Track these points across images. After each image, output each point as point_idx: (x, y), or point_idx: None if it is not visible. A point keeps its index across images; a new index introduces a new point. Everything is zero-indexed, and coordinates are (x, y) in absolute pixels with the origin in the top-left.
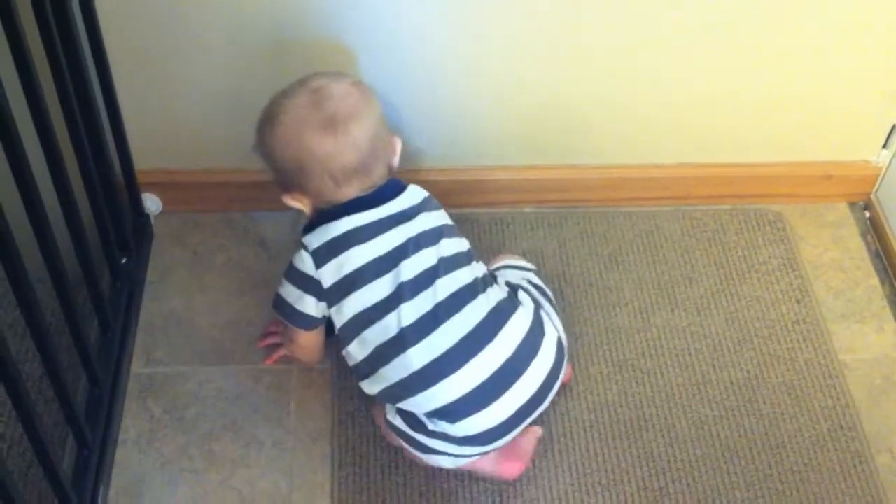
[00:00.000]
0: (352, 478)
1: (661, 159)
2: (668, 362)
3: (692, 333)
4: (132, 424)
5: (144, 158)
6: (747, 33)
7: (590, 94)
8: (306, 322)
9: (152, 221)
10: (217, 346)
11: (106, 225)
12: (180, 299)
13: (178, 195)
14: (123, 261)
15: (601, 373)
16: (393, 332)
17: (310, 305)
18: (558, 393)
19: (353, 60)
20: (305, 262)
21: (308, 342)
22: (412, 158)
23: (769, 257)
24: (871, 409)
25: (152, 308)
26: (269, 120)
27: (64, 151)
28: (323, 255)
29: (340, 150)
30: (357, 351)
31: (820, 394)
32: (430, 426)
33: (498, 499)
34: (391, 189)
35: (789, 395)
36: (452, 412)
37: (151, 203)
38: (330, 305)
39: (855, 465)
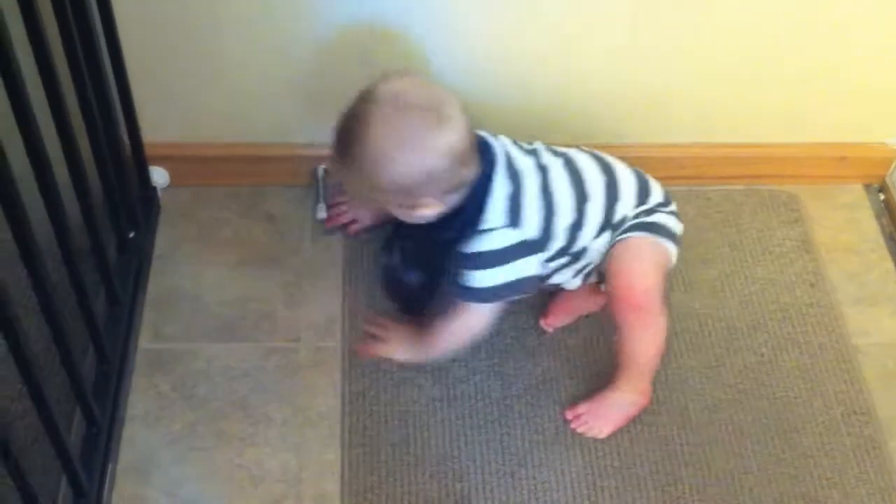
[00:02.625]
0: (361, 457)
1: (677, 138)
2: (682, 345)
3: (706, 316)
4: (140, 401)
5: (152, 131)
6: (764, 14)
7: (605, 73)
8: (532, 284)
9: (159, 195)
10: (225, 323)
11: (115, 198)
12: (188, 274)
13: (186, 169)
14: (131, 234)
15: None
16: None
17: (532, 265)
18: (570, 376)
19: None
20: (507, 235)
21: (490, 316)
22: None
23: (783, 239)
24: (884, 393)
25: (160, 282)
26: (380, 155)
27: (74, 124)
28: (514, 217)
29: (457, 134)
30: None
31: (833, 378)
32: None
33: (510, 479)
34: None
35: (803, 378)
36: None
37: (159, 176)
38: (546, 249)
39: (868, 450)
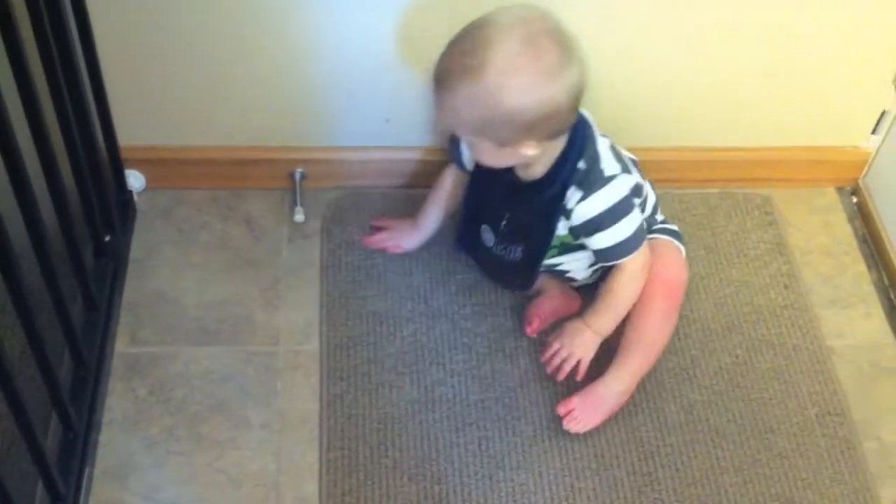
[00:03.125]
0: (340, 460)
1: (652, 142)
2: None
3: (682, 318)
4: (117, 405)
5: (128, 135)
6: (737, 20)
7: None
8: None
9: (135, 199)
10: (203, 326)
11: (91, 201)
12: (165, 278)
13: (163, 172)
14: (107, 238)
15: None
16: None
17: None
18: (548, 378)
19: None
20: (627, 180)
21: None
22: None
23: (758, 242)
24: (858, 394)
25: (137, 286)
26: (509, 81)
27: (49, 129)
28: (622, 163)
29: (581, 74)
30: None
31: (808, 379)
32: None
33: (488, 482)
34: None
35: (777, 380)
36: None
37: (135, 180)
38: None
39: (843, 451)
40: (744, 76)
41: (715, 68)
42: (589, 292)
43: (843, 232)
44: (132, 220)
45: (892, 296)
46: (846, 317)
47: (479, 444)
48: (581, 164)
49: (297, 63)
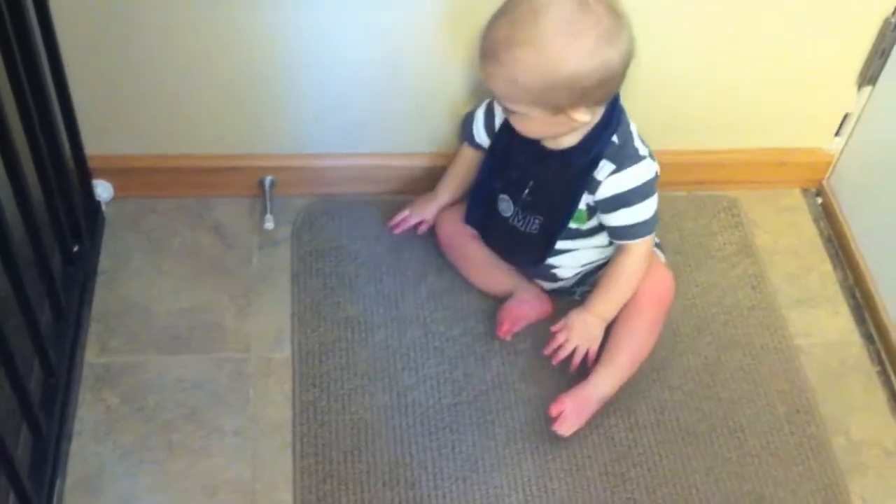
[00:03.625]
0: (314, 466)
1: None
2: None
3: None
4: (88, 414)
5: (95, 144)
6: (701, 24)
7: None
8: None
9: (104, 208)
10: (174, 334)
11: (58, 212)
12: (135, 287)
13: (131, 181)
14: (76, 248)
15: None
16: None
17: None
18: (520, 380)
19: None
20: (653, 165)
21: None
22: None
23: (725, 243)
24: (826, 392)
25: (106, 296)
26: (571, 44)
27: (16, 139)
28: (648, 150)
29: (631, 38)
30: None
31: (776, 378)
32: None
33: (462, 485)
34: None
35: (746, 379)
36: None
37: (102, 189)
38: None
39: (812, 448)
40: (708, 80)
41: (679, 73)
42: (559, 298)
43: (809, 232)
44: (101, 229)
45: (858, 294)
46: (813, 316)
47: (453, 448)
48: (615, 139)
49: (265, 70)
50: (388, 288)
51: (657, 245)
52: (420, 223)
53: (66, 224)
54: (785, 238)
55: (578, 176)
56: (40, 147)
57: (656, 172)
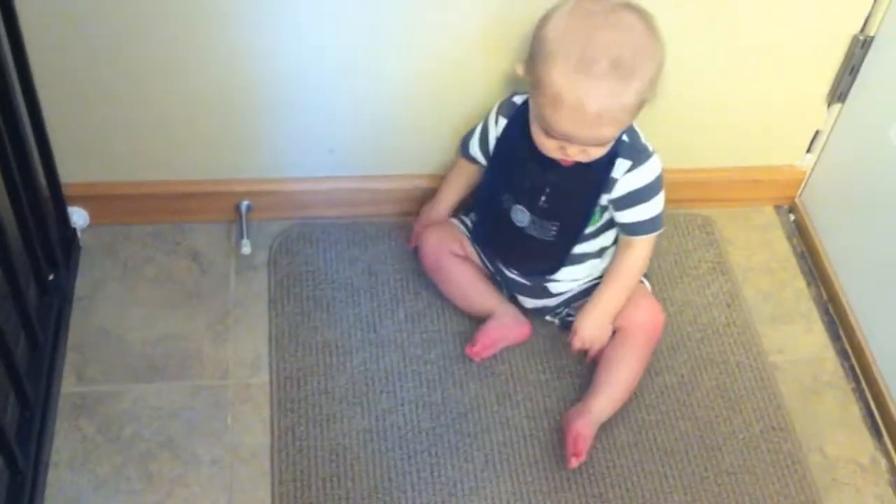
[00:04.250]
0: (292, 493)
1: None
2: None
3: None
4: (64, 445)
5: (70, 172)
6: (673, 44)
7: None
8: None
9: (79, 235)
10: (150, 363)
11: (32, 240)
12: (111, 314)
13: (106, 208)
14: (51, 277)
15: (539, 380)
16: None
17: None
18: (498, 402)
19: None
20: (659, 160)
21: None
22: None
23: (700, 261)
24: (801, 408)
25: (82, 324)
26: (659, 42)
27: None
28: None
29: None
30: None
31: (752, 395)
32: None
33: None
34: None
35: (722, 397)
36: None
37: (78, 217)
38: None
39: (788, 465)
40: (680, 101)
41: None
42: (537, 319)
43: (782, 249)
44: (76, 257)
45: (832, 310)
46: (787, 332)
47: (432, 472)
48: (625, 138)
49: (239, 95)
50: (365, 311)
51: (644, 275)
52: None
53: (41, 252)
54: (759, 255)
55: (598, 175)
56: (14, 175)
57: (661, 167)
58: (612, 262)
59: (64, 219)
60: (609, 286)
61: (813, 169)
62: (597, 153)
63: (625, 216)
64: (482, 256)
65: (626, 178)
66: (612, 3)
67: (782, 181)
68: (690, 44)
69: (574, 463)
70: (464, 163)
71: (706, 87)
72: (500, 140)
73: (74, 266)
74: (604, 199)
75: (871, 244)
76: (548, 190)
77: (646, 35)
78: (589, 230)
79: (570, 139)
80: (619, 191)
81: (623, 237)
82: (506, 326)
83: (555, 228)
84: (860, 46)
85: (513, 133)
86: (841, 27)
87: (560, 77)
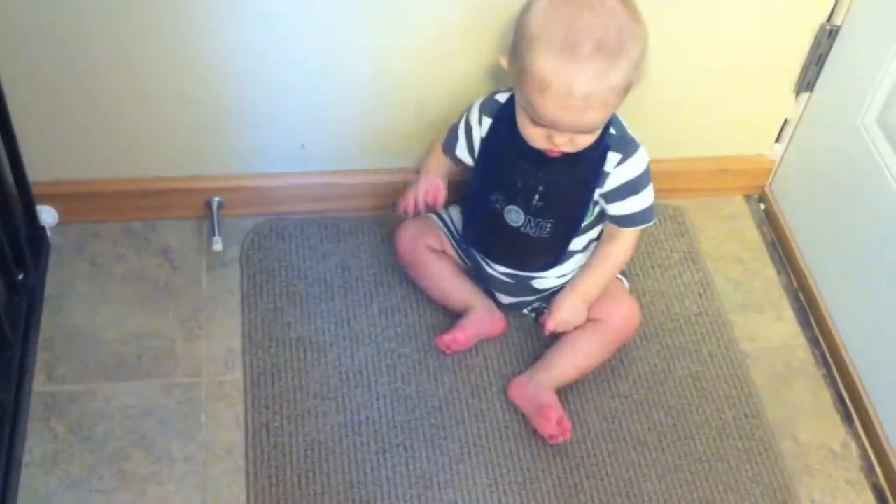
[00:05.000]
0: (268, 489)
1: None
2: None
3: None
4: (36, 445)
5: (39, 170)
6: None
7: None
8: None
9: (49, 234)
10: (122, 361)
11: (1, 239)
12: (82, 313)
13: (76, 206)
14: (20, 276)
15: (513, 372)
16: None
17: None
18: (473, 395)
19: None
20: (645, 152)
21: None
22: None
23: (671, 251)
24: (773, 396)
25: (53, 323)
26: (646, 40)
27: None
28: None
29: None
30: None
31: (724, 384)
32: None
33: (416, 502)
34: None
35: (695, 386)
36: None
37: (47, 215)
38: None
39: (760, 453)
40: (648, 91)
41: None
42: (512, 314)
43: (752, 238)
44: (46, 255)
45: (802, 298)
46: (758, 321)
47: (407, 465)
48: (612, 131)
49: (209, 91)
50: (339, 306)
51: (622, 272)
52: (436, 192)
53: (9, 252)
54: (729, 244)
55: (592, 170)
56: None
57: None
58: (595, 250)
59: (33, 217)
60: (590, 273)
61: (782, 158)
62: (584, 141)
63: (616, 208)
64: (460, 252)
65: (617, 170)
66: None
67: (752, 170)
68: (658, 35)
69: (559, 440)
70: (446, 158)
71: (675, 78)
72: (486, 140)
73: (44, 265)
74: (596, 194)
75: (839, 232)
76: (541, 188)
77: (628, 17)
78: (587, 223)
79: (557, 126)
80: (610, 184)
81: (610, 227)
82: (482, 321)
83: (550, 225)
84: (827, 36)
85: (500, 132)
86: (808, 17)
87: (546, 62)
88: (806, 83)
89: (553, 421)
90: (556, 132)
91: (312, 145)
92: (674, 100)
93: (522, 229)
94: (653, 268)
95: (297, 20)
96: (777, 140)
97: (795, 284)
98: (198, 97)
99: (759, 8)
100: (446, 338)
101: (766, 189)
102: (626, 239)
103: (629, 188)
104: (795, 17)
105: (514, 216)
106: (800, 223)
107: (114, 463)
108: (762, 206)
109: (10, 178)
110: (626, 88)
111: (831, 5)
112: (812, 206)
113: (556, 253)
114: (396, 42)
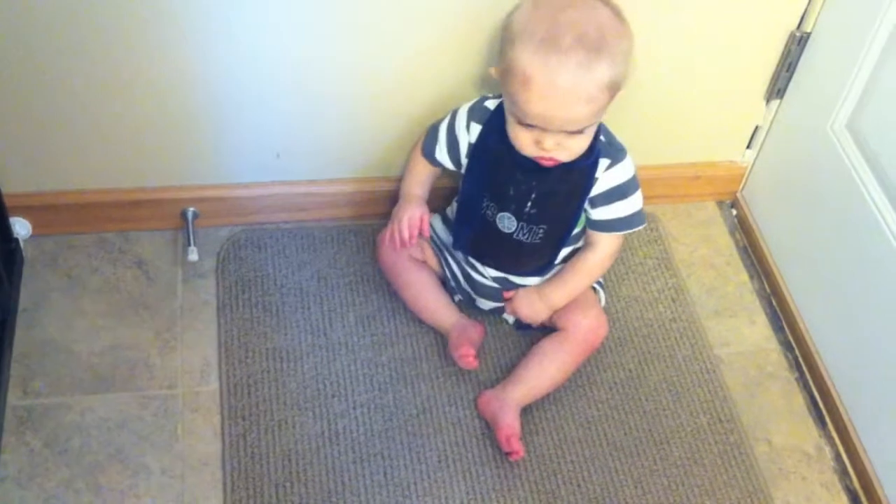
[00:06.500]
0: (245, 500)
1: None
2: None
3: None
4: (11, 460)
5: (11, 182)
6: None
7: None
8: None
9: (22, 246)
10: (97, 374)
11: None
12: (56, 326)
13: (50, 217)
14: None
15: (490, 379)
16: None
17: None
18: (449, 403)
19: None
20: (630, 159)
21: None
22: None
23: (645, 258)
24: (747, 400)
25: (27, 336)
26: (631, 43)
27: None
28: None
29: None
30: None
31: (698, 388)
32: None
33: None
34: None
35: (670, 391)
36: None
37: (20, 227)
38: None
39: (735, 456)
40: (620, 98)
41: None
42: (487, 318)
43: (725, 244)
44: (19, 268)
45: (774, 302)
46: (731, 325)
47: (385, 474)
48: (602, 138)
49: (182, 101)
50: (315, 316)
51: (600, 284)
52: (420, 222)
53: None
54: (702, 250)
55: (584, 176)
56: None
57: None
58: (572, 261)
59: (6, 229)
60: (560, 278)
61: (753, 164)
62: (574, 145)
63: (601, 213)
64: (442, 261)
65: (606, 175)
66: None
67: (724, 177)
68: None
69: (515, 458)
70: (426, 166)
71: (646, 86)
72: (476, 147)
73: (18, 278)
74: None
75: (811, 237)
76: (534, 196)
77: (610, 15)
78: (576, 231)
79: (544, 124)
80: (598, 188)
81: (591, 234)
82: (467, 332)
83: (542, 231)
84: (797, 43)
85: (490, 140)
86: (778, 24)
87: (528, 56)
88: (776, 90)
89: (502, 439)
90: (544, 134)
91: (287, 155)
92: (646, 107)
93: (515, 235)
94: (627, 274)
95: (270, 31)
96: (748, 146)
97: (768, 289)
98: (171, 108)
99: (729, 15)
100: (461, 357)
101: (738, 195)
102: (604, 247)
103: (617, 193)
104: (765, 25)
105: (507, 223)
106: (771, 228)
107: (90, 476)
108: (734, 212)
109: None
110: (612, 86)
111: (801, 12)
112: (783, 211)
113: (548, 257)
114: (373, 51)
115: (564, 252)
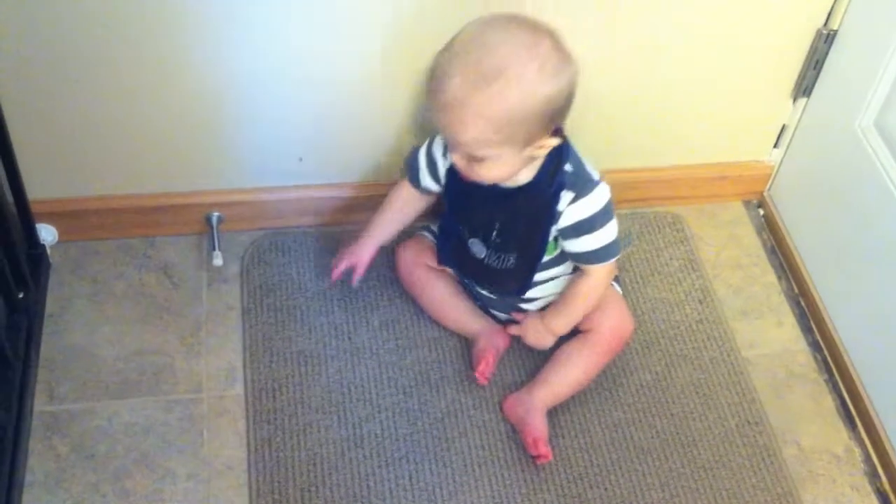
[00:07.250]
0: None
1: None
2: None
3: None
4: (38, 465)
5: (38, 188)
6: (637, 40)
7: None
8: None
9: (48, 252)
10: (123, 378)
11: (0, 258)
12: (82, 331)
13: (75, 224)
14: (20, 295)
15: (515, 382)
16: None
17: None
18: (475, 406)
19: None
20: (607, 188)
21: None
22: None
23: (671, 259)
24: (775, 402)
25: (53, 342)
26: (565, 63)
27: None
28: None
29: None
30: None
31: (726, 391)
32: None
33: None
34: None
35: (697, 393)
36: None
37: (46, 233)
38: None
39: (763, 459)
40: (646, 98)
41: (617, 92)
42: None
43: (752, 244)
44: (46, 274)
45: (802, 303)
46: (759, 326)
47: (410, 479)
48: (568, 167)
49: (206, 106)
50: (339, 320)
51: (614, 278)
52: (354, 269)
53: (9, 271)
54: (729, 251)
55: (544, 209)
56: None
57: (610, 195)
58: (568, 286)
59: (32, 236)
60: (560, 307)
61: (780, 163)
62: (483, 173)
63: (575, 245)
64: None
65: (570, 209)
66: (517, 18)
67: (750, 176)
68: (655, 42)
69: (542, 461)
70: (409, 191)
71: (672, 86)
72: (448, 172)
73: (44, 283)
74: (553, 231)
75: (839, 236)
76: (497, 225)
77: (527, 46)
78: (546, 259)
79: (446, 135)
80: (563, 222)
81: (579, 265)
82: (493, 339)
83: (513, 258)
84: (824, 41)
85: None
86: (804, 21)
87: (435, 62)
88: (803, 88)
89: (529, 442)
90: (452, 151)
91: (310, 159)
92: (671, 107)
93: (486, 261)
94: (652, 275)
95: (292, 36)
96: (775, 146)
97: (795, 290)
98: (195, 113)
99: (755, 13)
100: (478, 374)
101: (765, 194)
102: (594, 275)
103: (584, 227)
104: (792, 22)
105: (477, 248)
106: (799, 228)
107: (116, 481)
108: (761, 212)
109: (9, 197)
110: (513, 123)
111: (828, 10)
112: (811, 210)
113: (522, 281)
114: (396, 56)
115: (551, 272)
